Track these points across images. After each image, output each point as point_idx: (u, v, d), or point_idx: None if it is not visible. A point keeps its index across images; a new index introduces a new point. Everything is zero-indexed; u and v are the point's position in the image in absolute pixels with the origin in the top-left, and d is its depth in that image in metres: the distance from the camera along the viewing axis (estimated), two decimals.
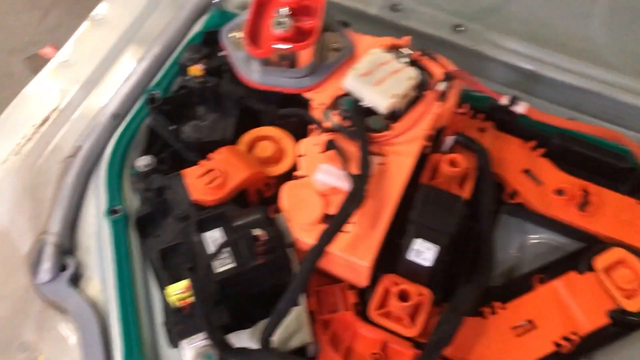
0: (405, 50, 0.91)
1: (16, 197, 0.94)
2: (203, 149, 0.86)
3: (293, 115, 0.87)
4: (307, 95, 0.88)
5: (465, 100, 0.95)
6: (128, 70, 1.05)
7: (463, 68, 1.07)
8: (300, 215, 0.76)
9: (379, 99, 0.83)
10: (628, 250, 0.83)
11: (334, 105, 0.87)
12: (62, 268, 0.86)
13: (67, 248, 0.88)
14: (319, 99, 0.87)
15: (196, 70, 0.92)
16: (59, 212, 0.89)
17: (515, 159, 0.93)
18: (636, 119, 1.00)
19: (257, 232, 0.70)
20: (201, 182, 0.78)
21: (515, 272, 0.89)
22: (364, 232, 0.76)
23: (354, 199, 0.73)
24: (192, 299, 0.68)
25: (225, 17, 1.09)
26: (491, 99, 0.95)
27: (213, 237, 0.73)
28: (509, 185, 0.91)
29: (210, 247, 0.72)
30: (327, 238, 0.70)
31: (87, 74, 1.09)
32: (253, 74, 0.89)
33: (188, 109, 0.92)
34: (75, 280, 0.86)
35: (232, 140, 0.88)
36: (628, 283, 0.80)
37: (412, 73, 0.85)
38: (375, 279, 0.79)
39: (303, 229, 0.76)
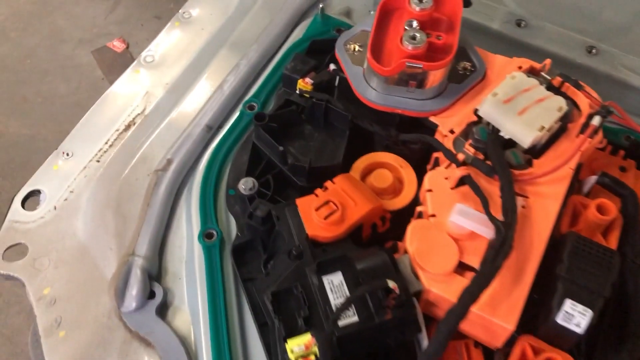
0: (544, 75, 0.81)
1: (98, 209, 0.87)
2: (312, 174, 0.77)
3: (416, 142, 0.77)
4: (434, 120, 0.78)
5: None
6: (221, 77, 0.97)
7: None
8: (433, 263, 0.66)
9: (523, 131, 0.72)
10: None
11: (465, 133, 0.77)
12: (150, 296, 0.77)
13: (155, 273, 0.80)
14: (447, 125, 0.77)
15: (305, 84, 0.83)
16: (147, 232, 0.81)
17: None
18: None
19: (391, 283, 0.60)
20: (318, 216, 0.68)
21: None
22: (506, 287, 0.65)
23: (502, 251, 0.63)
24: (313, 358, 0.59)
25: (328, 23, 1.00)
26: (630, 135, 0.84)
27: (333, 281, 0.64)
28: None
29: (329, 293, 0.63)
30: (471, 298, 0.60)
31: (174, 76, 1.01)
32: (371, 93, 0.79)
33: (294, 127, 0.83)
34: (163, 310, 0.78)
35: (343, 165, 0.79)
36: None
37: (561, 102, 0.74)
38: (509, 338, 0.68)
39: (436, 279, 0.66)
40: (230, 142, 0.88)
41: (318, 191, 0.72)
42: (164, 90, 1.00)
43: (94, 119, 0.98)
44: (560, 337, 0.66)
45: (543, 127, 0.72)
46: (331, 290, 0.63)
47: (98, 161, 0.93)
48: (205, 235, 0.79)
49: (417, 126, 0.81)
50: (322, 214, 0.69)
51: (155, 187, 0.85)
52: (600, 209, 0.72)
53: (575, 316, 0.64)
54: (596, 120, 0.73)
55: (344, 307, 0.60)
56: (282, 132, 0.82)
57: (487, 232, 0.66)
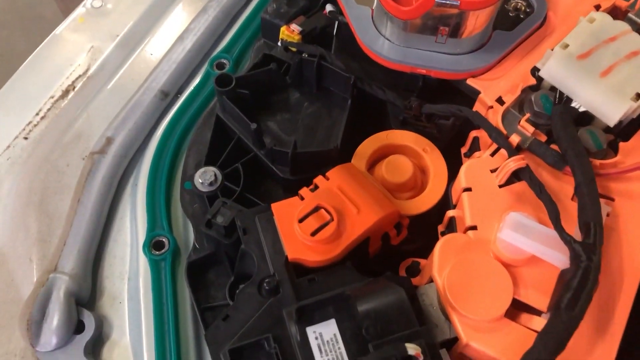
0: (634, 18, 0.56)
1: (20, 204, 0.65)
2: (298, 162, 0.54)
3: (447, 115, 0.54)
4: (474, 83, 0.54)
5: None
6: (184, 25, 0.73)
7: None
8: (474, 303, 0.44)
9: (609, 101, 0.48)
10: None
11: (520, 104, 0.53)
12: (78, 328, 0.56)
13: (86, 297, 0.58)
14: (494, 91, 0.53)
15: (291, 33, 0.60)
16: (76, 240, 0.59)
17: None
18: None
19: (412, 349, 0.38)
20: (303, 230, 0.46)
21: None
22: (585, 343, 0.43)
23: (586, 289, 0.40)
24: None
25: None
26: None
27: (322, 335, 0.42)
28: None
29: (316, 353, 0.41)
30: None
31: (127, 26, 0.77)
32: (384, 44, 0.55)
33: (275, 94, 0.59)
34: (96, 347, 0.57)
35: (342, 150, 0.56)
36: None
37: None
38: None
39: (478, 328, 0.44)
40: (191, 114, 0.65)
41: (304, 191, 0.49)
42: (114, 43, 0.76)
43: (23, 82, 0.75)
44: None
45: (639, 95, 0.49)
46: (319, 349, 0.42)
47: (26, 138, 0.71)
48: (152, 245, 0.58)
49: (449, 93, 0.57)
50: (308, 227, 0.46)
51: (89, 177, 0.62)
52: None
53: None
54: None
55: None
56: (257, 101, 0.58)
57: (557, 257, 0.43)
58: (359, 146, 0.55)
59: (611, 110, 0.48)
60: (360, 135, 0.57)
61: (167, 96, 0.67)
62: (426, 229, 0.54)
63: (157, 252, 0.57)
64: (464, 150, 0.56)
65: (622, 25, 0.52)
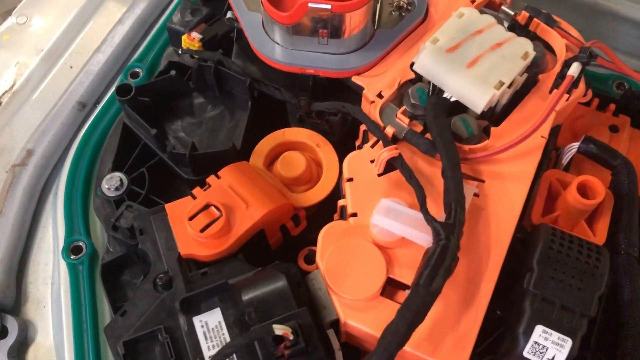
0: (507, 10, 0.60)
1: None
2: (198, 164, 0.58)
3: (334, 112, 0.57)
4: (358, 80, 0.58)
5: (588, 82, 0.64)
6: (102, 38, 0.76)
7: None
8: (350, 284, 0.47)
9: (474, 90, 0.52)
10: None
11: (399, 97, 0.57)
12: (2, 334, 0.59)
13: (10, 303, 0.61)
14: (375, 86, 0.57)
15: (192, 40, 0.63)
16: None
17: None
18: None
19: (279, 329, 0.42)
20: (193, 227, 0.49)
21: None
22: (452, 314, 0.47)
23: (441, 265, 0.44)
24: None
25: None
26: (623, 81, 0.64)
27: (207, 323, 0.45)
28: None
29: (202, 340, 0.44)
30: (397, 341, 0.41)
31: (51, 40, 0.80)
32: (273, 48, 0.59)
33: (179, 99, 0.63)
34: (20, 351, 0.60)
35: (243, 149, 0.59)
36: None
37: (527, 46, 0.54)
38: None
39: (355, 307, 0.48)
40: (106, 123, 0.68)
41: (197, 191, 0.53)
42: (39, 58, 0.79)
43: None
44: None
45: (502, 83, 0.52)
46: (205, 336, 0.45)
47: None
48: (70, 250, 0.61)
49: (342, 90, 0.61)
50: (198, 223, 0.50)
51: (11, 189, 0.65)
52: (583, 190, 0.54)
53: (549, 348, 0.46)
54: (574, 69, 0.53)
55: None
56: (161, 107, 0.62)
57: (422, 237, 0.47)
58: (257, 145, 0.59)
59: (477, 98, 0.52)
60: (264, 135, 0.60)
61: (84, 107, 0.70)
62: (329, 219, 0.58)
63: (75, 257, 0.60)
64: (357, 143, 0.60)
65: (489, 19, 0.56)
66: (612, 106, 0.64)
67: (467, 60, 0.53)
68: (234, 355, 0.44)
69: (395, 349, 0.42)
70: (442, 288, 0.44)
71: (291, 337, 0.42)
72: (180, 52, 0.64)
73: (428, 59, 0.54)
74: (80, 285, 0.60)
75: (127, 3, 0.78)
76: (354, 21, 0.55)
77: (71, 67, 0.76)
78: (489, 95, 0.52)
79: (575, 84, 0.54)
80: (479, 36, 0.55)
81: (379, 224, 0.48)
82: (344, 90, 0.60)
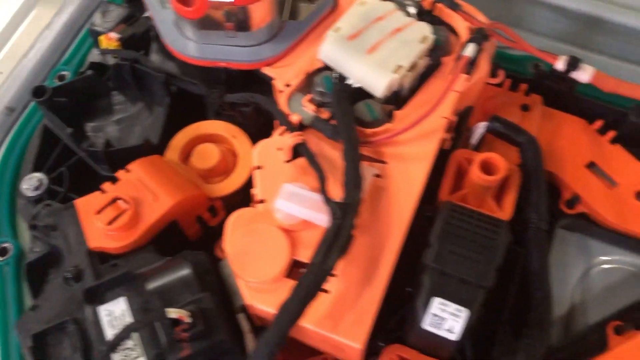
0: None
1: None
2: (114, 160, 0.59)
3: (245, 103, 0.59)
4: (267, 71, 0.59)
5: (499, 64, 0.65)
6: (30, 42, 0.77)
7: (491, 16, 0.78)
8: (254, 267, 0.49)
9: (374, 75, 0.54)
10: None
11: (307, 86, 0.58)
12: None
13: None
14: (285, 76, 0.58)
15: (110, 40, 0.64)
16: None
17: (574, 149, 0.64)
18: None
19: (173, 313, 0.43)
20: (101, 220, 0.51)
21: (578, 318, 0.61)
22: (353, 291, 0.49)
23: (335, 244, 0.46)
24: None
25: None
26: (539, 62, 0.66)
27: (113, 312, 0.47)
28: (567, 188, 0.63)
29: (108, 329, 0.46)
30: (290, 316, 0.43)
31: None
32: (185, 43, 0.60)
33: (99, 99, 0.64)
34: None
35: (161, 144, 0.60)
36: None
37: (425, 30, 0.56)
38: (373, 348, 0.52)
39: (260, 290, 0.49)
40: (32, 126, 0.68)
41: (106, 185, 0.54)
42: None
43: None
44: (432, 345, 0.50)
45: (400, 67, 0.54)
46: (111, 325, 0.46)
47: None
48: None
49: (257, 82, 0.62)
50: (106, 217, 0.51)
51: None
52: (487, 167, 0.55)
53: (446, 319, 0.48)
54: (470, 50, 0.55)
55: (114, 344, 0.43)
56: (80, 107, 0.63)
57: (322, 219, 0.49)
58: (172, 139, 0.60)
59: (376, 82, 0.54)
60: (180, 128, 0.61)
61: (13, 112, 0.71)
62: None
63: (1, 258, 0.61)
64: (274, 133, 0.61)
65: (390, 6, 0.57)
66: (524, 86, 0.66)
67: (368, 46, 0.55)
68: (140, 342, 0.45)
69: (288, 325, 0.43)
70: (335, 265, 0.46)
71: (188, 321, 0.44)
72: (99, 52, 0.65)
73: (330, 47, 0.55)
74: (6, 286, 0.61)
75: (57, 8, 0.79)
76: (260, 13, 0.57)
77: (1, 73, 0.76)
78: (388, 79, 0.53)
79: (472, 64, 0.56)
80: (380, 23, 0.56)
81: (282, 208, 0.50)
82: (259, 82, 0.62)
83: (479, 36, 0.54)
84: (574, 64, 0.60)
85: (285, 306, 0.43)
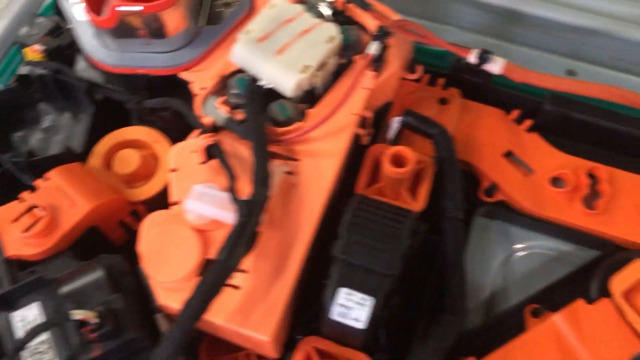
0: None
1: None
2: (40, 170, 0.60)
3: (163, 107, 0.60)
4: (185, 76, 0.61)
5: (419, 60, 0.68)
6: None
7: (417, 12, 0.81)
8: (166, 268, 0.50)
9: (283, 75, 0.56)
10: None
11: (223, 88, 0.60)
12: None
13: None
14: (202, 80, 0.60)
15: (34, 53, 0.65)
16: None
17: (492, 139, 0.66)
18: None
19: (78, 314, 0.45)
20: (17, 228, 0.52)
21: (499, 303, 0.63)
22: (263, 286, 0.50)
23: (239, 240, 0.47)
24: None
25: None
26: (454, 57, 0.68)
27: (27, 318, 0.48)
28: (485, 177, 0.65)
29: (23, 334, 0.47)
30: (192, 314, 0.44)
31: None
32: (105, 52, 0.61)
33: (24, 110, 0.65)
34: None
35: (84, 152, 0.61)
36: None
37: (332, 31, 0.58)
38: (292, 340, 0.54)
39: (172, 289, 0.50)
40: None
41: (24, 194, 0.55)
42: None
43: None
44: (344, 334, 0.51)
45: (308, 67, 0.56)
46: (25, 331, 0.48)
47: None
48: None
49: (181, 87, 0.64)
50: (22, 225, 0.52)
51: None
52: (396, 160, 0.57)
53: (353, 308, 0.49)
54: (373, 48, 0.57)
55: (22, 343, 0.44)
56: (7, 119, 0.64)
57: (230, 217, 0.50)
58: (95, 145, 0.62)
59: (285, 82, 0.55)
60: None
61: None
62: None
63: None
64: None
65: (298, 8, 0.59)
66: (441, 80, 0.68)
67: (277, 48, 0.56)
68: (52, 344, 0.46)
69: (191, 321, 0.44)
70: (241, 262, 0.47)
71: (95, 322, 0.45)
72: (24, 64, 0.66)
73: (241, 50, 0.57)
74: None
75: None
76: (173, 20, 0.58)
77: None
78: (296, 79, 0.55)
79: (379, 61, 0.57)
80: (289, 25, 0.58)
81: (191, 209, 0.51)
82: (183, 87, 0.63)
83: (381, 34, 0.56)
84: (485, 56, 0.62)
85: (188, 303, 0.45)
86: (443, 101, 0.67)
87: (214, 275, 0.46)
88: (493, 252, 0.65)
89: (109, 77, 0.65)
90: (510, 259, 0.65)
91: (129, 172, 0.59)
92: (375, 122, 0.63)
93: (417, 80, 0.67)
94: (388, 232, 0.52)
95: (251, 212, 0.49)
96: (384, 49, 0.58)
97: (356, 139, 0.60)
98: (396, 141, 0.64)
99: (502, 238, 0.66)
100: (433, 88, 0.68)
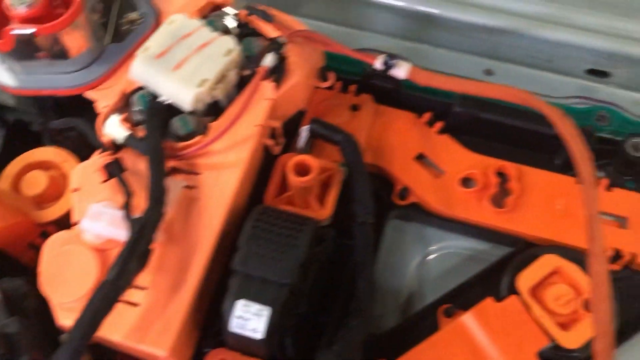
0: (230, 10, 0.64)
1: None
2: None
3: (68, 128, 0.61)
4: (90, 95, 0.61)
5: (334, 67, 0.68)
6: None
7: (338, 20, 0.82)
8: (63, 289, 0.50)
9: (180, 90, 0.56)
10: (563, 256, 0.59)
11: (126, 105, 0.60)
12: None
13: None
14: (107, 98, 0.60)
15: None
16: None
17: (404, 142, 0.67)
18: (569, 61, 0.75)
19: None
20: None
21: (416, 304, 0.64)
22: (162, 302, 0.51)
23: (129, 258, 0.48)
24: None
25: None
26: (363, 63, 0.68)
27: None
28: (397, 181, 0.66)
29: None
30: (80, 332, 0.44)
31: None
32: (8, 75, 0.61)
33: None
34: None
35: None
36: (564, 305, 0.56)
37: (230, 43, 0.58)
38: (200, 354, 0.54)
39: (72, 310, 0.50)
40: None
41: None
42: None
43: None
44: (246, 346, 0.52)
45: (205, 80, 0.56)
46: None
47: None
48: None
49: (89, 107, 0.64)
50: None
51: None
52: (300, 169, 0.58)
53: (250, 319, 0.50)
54: (268, 60, 0.57)
55: None
56: None
57: (125, 235, 0.51)
58: (6, 168, 0.62)
59: (183, 97, 0.56)
60: None
61: None
62: None
63: None
64: None
65: (196, 23, 0.60)
66: (353, 87, 0.69)
67: (175, 63, 0.57)
68: None
69: (81, 341, 0.45)
70: (132, 280, 0.48)
71: None
72: None
73: (139, 66, 0.57)
74: None
75: None
76: (73, 41, 0.59)
77: None
78: (193, 93, 0.55)
79: (277, 72, 0.58)
80: (187, 40, 0.58)
81: (87, 228, 0.52)
82: (91, 106, 0.63)
83: (275, 46, 0.57)
84: (390, 63, 0.63)
85: (77, 323, 0.45)
86: (355, 107, 0.68)
87: (101, 295, 0.46)
88: (409, 254, 0.66)
89: (20, 100, 0.65)
90: (426, 260, 0.66)
91: (38, 193, 0.59)
92: (287, 132, 0.63)
93: (329, 88, 0.68)
94: (285, 242, 0.52)
95: (142, 230, 0.49)
96: (282, 60, 0.58)
97: (266, 149, 0.61)
98: (309, 149, 0.65)
99: (418, 240, 0.67)
100: (345, 95, 0.69)
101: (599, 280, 0.47)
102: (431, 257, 0.66)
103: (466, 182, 0.65)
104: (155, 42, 0.58)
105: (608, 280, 0.47)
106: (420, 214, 0.65)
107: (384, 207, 0.65)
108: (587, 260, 0.49)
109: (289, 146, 0.64)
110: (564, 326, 0.56)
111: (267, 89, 0.58)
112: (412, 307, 0.64)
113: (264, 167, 0.62)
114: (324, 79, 0.67)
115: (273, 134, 0.61)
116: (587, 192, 0.49)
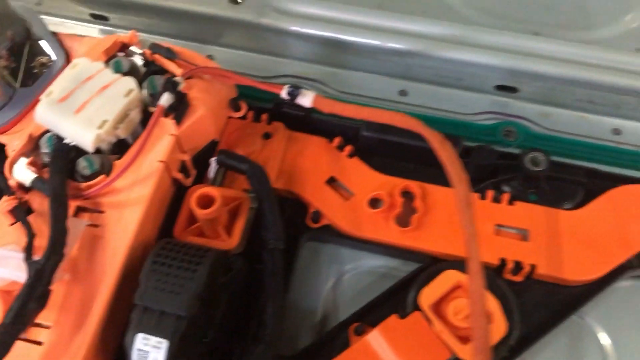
0: (135, 49, 0.67)
1: None
2: None
3: None
4: (1, 139, 0.63)
5: (250, 96, 0.71)
6: None
7: (257, 50, 0.84)
8: None
9: (81, 133, 0.58)
10: (464, 270, 0.61)
11: (34, 148, 0.62)
12: None
13: None
14: (15, 142, 0.62)
15: None
16: None
17: (316, 167, 0.69)
18: (477, 79, 0.77)
19: None
20: None
21: (330, 324, 0.66)
22: (65, 339, 0.52)
23: (27, 300, 0.50)
24: None
25: None
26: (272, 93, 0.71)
27: None
28: (310, 204, 0.68)
29: None
30: None
31: None
32: None
33: None
34: None
35: None
36: (463, 319, 0.58)
37: (130, 84, 0.60)
38: None
39: None
40: None
41: None
42: None
43: None
44: None
45: (105, 122, 0.58)
46: None
47: None
48: None
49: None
50: None
51: None
52: (204, 201, 0.60)
53: (150, 352, 0.51)
54: (164, 99, 0.59)
55: None
56: None
57: (25, 277, 0.53)
58: None
59: (84, 139, 0.58)
60: None
61: None
62: None
63: None
64: None
65: (99, 66, 0.62)
66: (265, 116, 0.71)
67: (76, 106, 0.59)
68: None
69: None
70: (30, 322, 0.49)
71: None
72: None
73: (42, 111, 0.59)
74: None
75: None
76: None
77: None
78: (93, 135, 0.58)
79: (176, 110, 0.60)
80: (89, 82, 0.61)
81: None
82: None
83: (169, 85, 0.59)
84: (294, 92, 0.65)
85: None
86: (267, 135, 0.70)
87: None
88: (325, 274, 0.68)
89: None
90: (341, 280, 0.68)
91: None
92: (203, 162, 0.66)
93: (242, 117, 0.71)
94: (184, 275, 0.54)
95: (39, 273, 0.51)
96: (181, 96, 0.61)
97: (176, 183, 0.63)
98: (221, 180, 0.67)
99: (333, 260, 0.69)
100: (258, 124, 0.71)
101: (476, 297, 0.50)
102: (346, 276, 0.68)
103: (374, 202, 0.67)
104: (58, 86, 0.60)
105: (484, 297, 0.50)
106: (334, 235, 0.67)
107: (299, 231, 0.67)
108: (467, 278, 0.51)
109: (203, 177, 0.66)
110: (463, 339, 0.58)
111: (169, 125, 0.60)
112: (327, 326, 0.66)
113: (178, 199, 0.64)
114: (237, 109, 0.70)
115: (183, 167, 0.63)
116: (464, 213, 0.51)
